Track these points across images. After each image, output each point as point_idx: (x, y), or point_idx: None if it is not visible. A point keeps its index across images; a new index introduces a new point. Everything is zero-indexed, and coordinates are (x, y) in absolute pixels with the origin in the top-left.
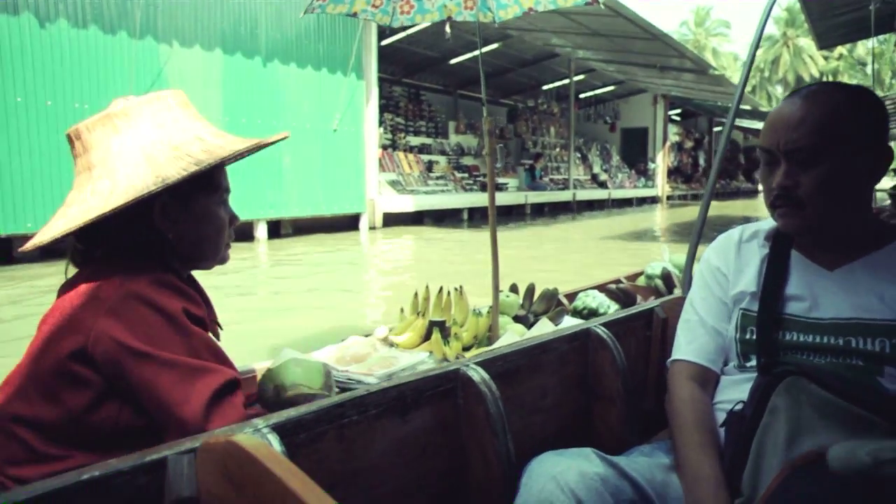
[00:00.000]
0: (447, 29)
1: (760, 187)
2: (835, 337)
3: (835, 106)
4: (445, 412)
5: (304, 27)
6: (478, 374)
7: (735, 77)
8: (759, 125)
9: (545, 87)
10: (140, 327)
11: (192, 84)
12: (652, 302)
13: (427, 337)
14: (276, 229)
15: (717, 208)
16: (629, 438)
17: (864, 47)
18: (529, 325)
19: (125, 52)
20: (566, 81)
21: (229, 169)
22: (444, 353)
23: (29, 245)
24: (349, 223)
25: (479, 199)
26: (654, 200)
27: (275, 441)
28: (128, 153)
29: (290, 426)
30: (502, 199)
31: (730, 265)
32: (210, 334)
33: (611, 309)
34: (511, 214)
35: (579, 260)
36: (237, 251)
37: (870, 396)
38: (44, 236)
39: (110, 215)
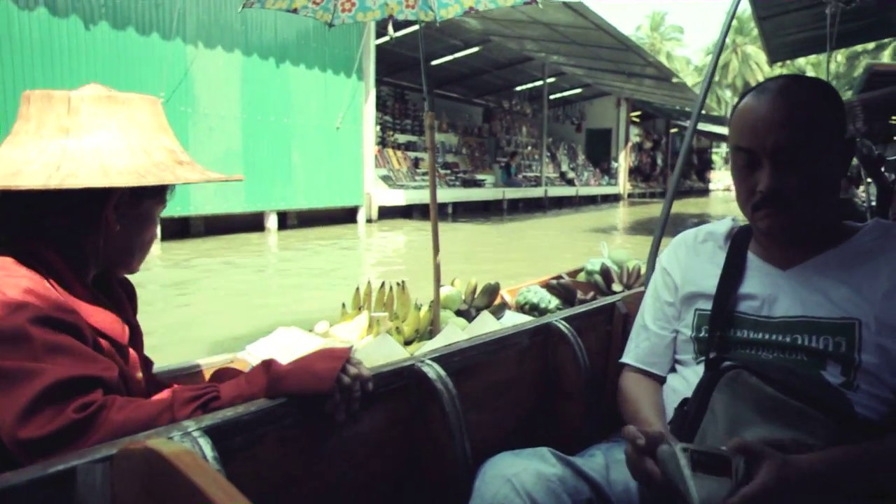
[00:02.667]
0: (390, 30)
1: (715, 186)
2: (782, 334)
3: (811, 101)
4: (398, 410)
5: (312, 31)
6: (433, 371)
7: (689, 80)
8: (711, 127)
9: (518, 89)
10: None
11: (214, 82)
12: (614, 296)
13: (369, 331)
14: (284, 220)
15: (676, 206)
16: (588, 436)
17: (805, 58)
18: (471, 319)
19: (157, 52)
20: (538, 83)
21: (252, 160)
22: None
23: None
24: (347, 215)
25: (461, 194)
26: (616, 198)
27: (206, 446)
28: (124, 139)
29: (225, 429)
30: (481, 194)
31: (680, 267)
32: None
33: (551, 304)
34: (489, 210)
35: (554, 254)
36: (253, 240)
37: (811, 387)
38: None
39: (69, 193)
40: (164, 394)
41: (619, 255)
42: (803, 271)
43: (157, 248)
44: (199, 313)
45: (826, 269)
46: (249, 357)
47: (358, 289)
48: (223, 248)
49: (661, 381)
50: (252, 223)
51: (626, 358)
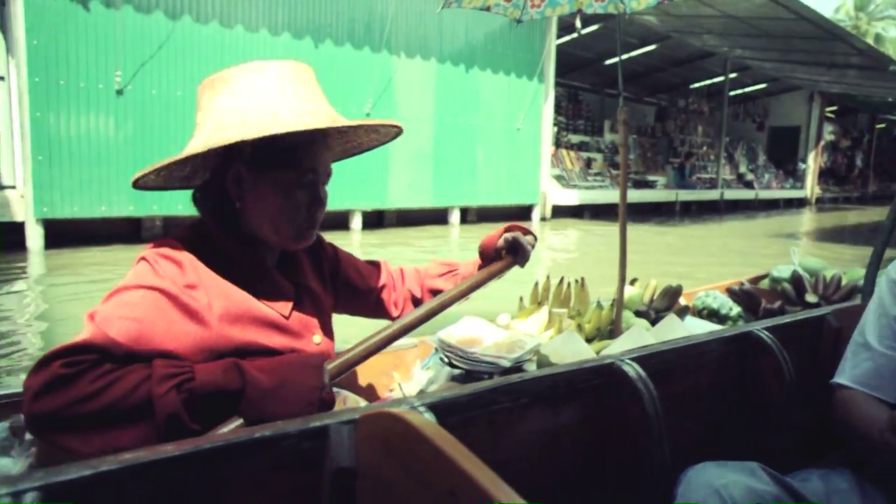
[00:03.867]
0: (577, 24)
1: None
2: None
3: None
4: (597, 407)
5: (499, 36)
6: (633, 370)
7: None
8: None
9: (694, 86)
10: (117, 289)
11: (412, 89)
12: (823, 308)
13: (549, 326)
14: (464, 215)
15: (878, 214)
16: (794, 457)
17: None
18: (651, 321)
19: (367, 63)
20: (716, 80)
21: (441, 160)
22: None
23: (138, 175)
24: (523, 213)
25: (634, 195)
26: (801, 203)
27: (431, 420)
28: (212, 115)
29: (444, 406)
30: (653, 195)
31: None
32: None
33: (733, 311)
34: (660, 212)
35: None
36: (437, 232)
37: None
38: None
39: (200, 178)
40: (145, 368)
41: (811, 263)
42: None
43: (357, 235)
44: None
45: None
46: (438, 342)
47: (537, 283)
48: (412, 237)
49: (888, 407)
50: (437, 217)
51: (842, 378)
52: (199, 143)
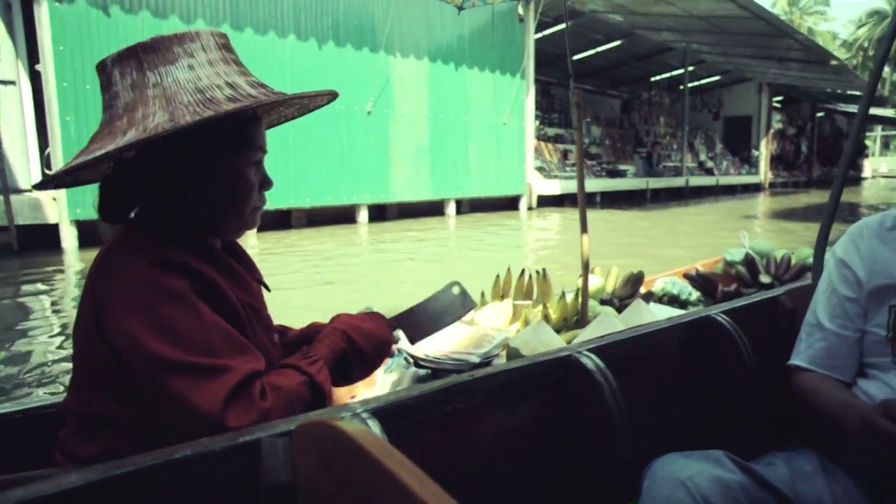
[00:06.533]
0: (520, 10)
1: (867, 174)
2: None
3: None
4: (555, 402)
5: (483, 36)
6: (591, 362)
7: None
8: (871, 110)
9: (654, 79)
10: (153, 318)
11: (408, 87)
12: (777, 289)
13: (513, 319)
14: (458, 206)
15: (821, 196)
16: (758, 442)
17: None
18: (616, 309)
19: (367, 63)
20: (675, 73)
21: (438, 154)
22: None
23: (44, 179)
24: (510, 203)
25: (608, 184)
26: (757, 188)
27: (375, 427)
28: (150, 92)
29: (391, 411)
30: (625, 184)
31: (862, 258)
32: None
33: (692, 296)
34: (632, 199)
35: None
36: (432, 224)
37: None
38: (57, 171)
39: (134, 166)
40: (291, 373)
41: (761, 244)
42: None
43: (364, 227)
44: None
45: None
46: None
47: (498, 276)
48: (413, 228)
49: (846, 387)
50: (435, 209)
51: (798, 360)
52: (152, 121)
